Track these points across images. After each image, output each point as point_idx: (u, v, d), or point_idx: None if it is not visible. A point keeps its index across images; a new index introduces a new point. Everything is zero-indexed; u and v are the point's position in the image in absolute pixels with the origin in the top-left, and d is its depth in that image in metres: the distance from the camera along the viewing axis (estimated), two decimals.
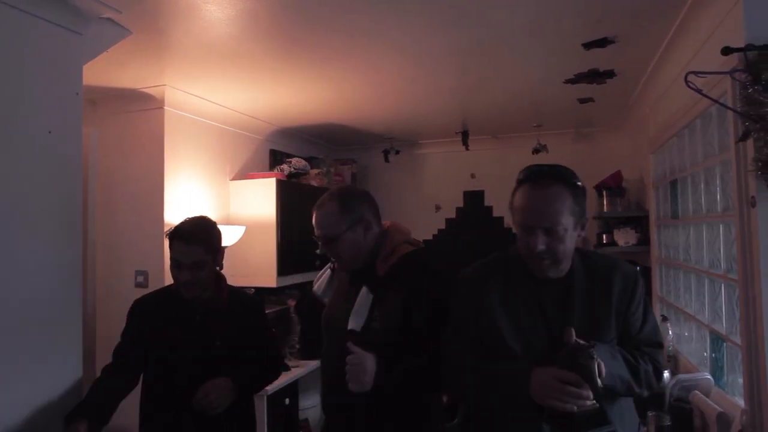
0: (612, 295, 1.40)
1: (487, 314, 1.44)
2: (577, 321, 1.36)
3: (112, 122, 3.32)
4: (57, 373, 1.90)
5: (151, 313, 1.97)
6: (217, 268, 2.00)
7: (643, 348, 1.44)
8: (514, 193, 1.42)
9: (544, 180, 1.36)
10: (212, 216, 3.58)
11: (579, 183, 1.38)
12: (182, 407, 1.81)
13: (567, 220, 1.33)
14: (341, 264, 1.80)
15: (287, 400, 3.39)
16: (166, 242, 3.12)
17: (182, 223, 1.93)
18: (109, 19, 2.11)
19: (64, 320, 1.94)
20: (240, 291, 2.16)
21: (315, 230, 1.78)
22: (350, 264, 1.77)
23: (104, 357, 3.28)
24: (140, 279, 3.22)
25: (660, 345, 1.48)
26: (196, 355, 1.88)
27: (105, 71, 2.80)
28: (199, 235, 1.89)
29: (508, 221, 4.85)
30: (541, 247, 1.33)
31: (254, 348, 2.03)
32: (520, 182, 1.41)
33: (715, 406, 1.90)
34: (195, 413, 1.80)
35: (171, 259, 1.89)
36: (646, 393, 1.42)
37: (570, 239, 1.36)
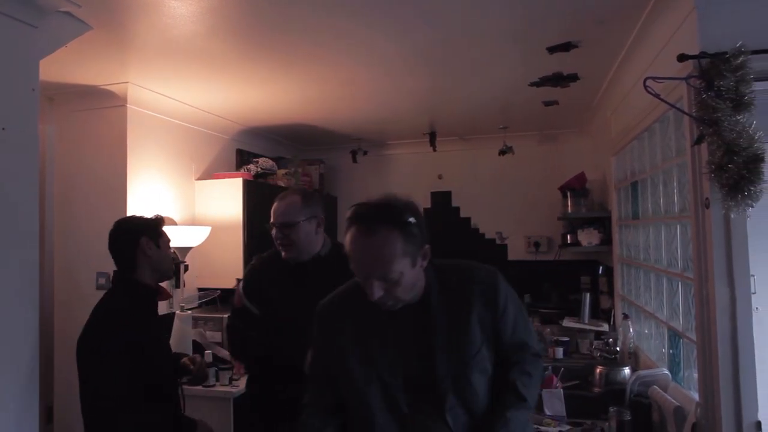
0: (472, 310, 1.35)
1: (339, 354, 1.39)
2: (441, 341, 1.33)
3: (72, 120, 3.22)
4: (10, 397, 1.83)
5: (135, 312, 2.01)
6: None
7: (513, 357, 1.41)
8: (345, 234, 1.31)
9: (369, 224, 1.25)
10: (177, 216, 3.54)
11: (410, 219, 1.28)
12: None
13: (400, 264, 1.25)
14: (291, 251, 2.00)
15: None
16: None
17: (151, 216, 2.12)
18: (67, 12, 2.04)
19: (19, 327, 1.87)
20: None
21: (272, 218, 2.01)
22: (300, 252, 2.00)
23: (64, 365, 3.18)
24: (102, 281, 3.13)
25: (526, 344, 1.44)
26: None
27: (64, 67, 2.71)
28: None
29: (476, 222, 4.92)
30: (378, 293, 1.26)
31: None
32: (348, 223, 1.29)
33: (672, 400, 1.97)
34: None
35: (167, 240, 2.07)
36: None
37: (410, 278, 1.29)
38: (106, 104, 3.14)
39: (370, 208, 1.29)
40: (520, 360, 1.42)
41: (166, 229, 2.11)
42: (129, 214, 3.11)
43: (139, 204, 3.21)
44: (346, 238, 1.29)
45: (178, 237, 3.22)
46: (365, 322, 1.38)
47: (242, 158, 4.32)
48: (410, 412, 1.32)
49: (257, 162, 4.14)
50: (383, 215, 1.26)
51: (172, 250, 2.14)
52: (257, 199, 3.85)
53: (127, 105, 3.13)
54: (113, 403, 1.73)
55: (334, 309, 1.46)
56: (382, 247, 1.24)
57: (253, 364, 2.18)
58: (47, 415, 3.08)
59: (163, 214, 3.17)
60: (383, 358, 1.35)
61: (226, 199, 3.75)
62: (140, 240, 1.93)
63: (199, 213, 3.79)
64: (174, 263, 2.16)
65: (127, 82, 3.03)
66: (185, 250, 3.30)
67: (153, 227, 2.01)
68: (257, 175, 4.07)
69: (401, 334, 1.35)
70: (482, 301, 1.36)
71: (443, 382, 1.32)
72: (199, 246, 3.41)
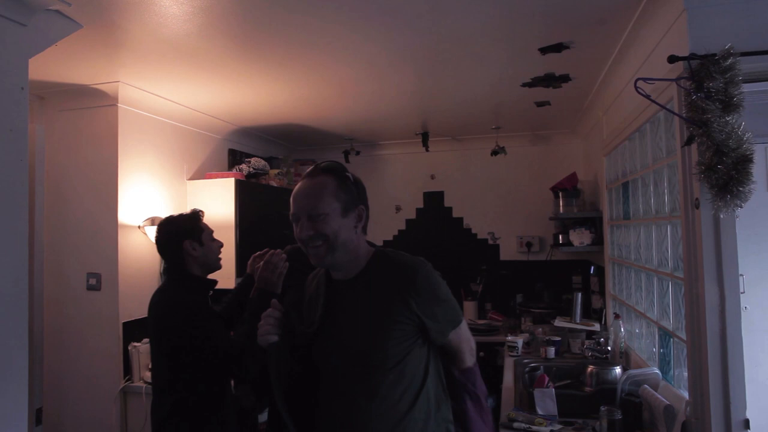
0: (394, 293, 1.38)
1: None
2: (360, 317, 1.39)
3: (62, 119, 3.19)
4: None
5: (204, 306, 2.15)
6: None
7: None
8: None
9: (313, 172, 1.43)
10: None
11: (348, 174, 1.45)
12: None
13: (329, 205, 1.38)
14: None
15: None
16: (121, 243, 3.07)
17: (185, 213, 2.25)
18: (57, 11, 2.02)
19: (7, 329, 1.85)
20: None
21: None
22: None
23: (53, 367, 3.16)
24: (92, 282, 3.11)
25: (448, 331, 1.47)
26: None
27: (54, 65, 2.69)
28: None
29: (468, 222, 4.93)
30: (306, 232, 1.38)
31: None
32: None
33: (663, 399, 1.98)
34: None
35: (210, 233, 2.18)
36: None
37: (338, 225, 1.38)
38: (96, 103, 3.12)
39: (320, 164, 1.46)
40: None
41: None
42: (120, 214, 3.10)
43: (131, 204, 3.19)
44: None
45: None
46: (308, 289, 1.54)
47: (234, 158, 4.30)
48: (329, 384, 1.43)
49: (249, 162, 4.13)
50: (326, 167, 1.44)
51: (216, 241, 2.21)
52: (249, 199, 3.84)
53: (118, 104, 3.10)
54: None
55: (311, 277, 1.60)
56: (315, 187, 1.40)
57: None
58: (36, 417, 3.05)
59: (156, 214, 3.15)
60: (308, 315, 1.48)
61: (218, 200, 3.73)
62: (184, 243, 2.09)
63: None
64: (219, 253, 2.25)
65: (118, 82, 3.01)
66: None
67: (192, 227, 2.13)
68: (249, 175, 4.06)
69: (335, 306, 1.45)
70: (405, 285, 1.38)
71: (357, 357, 1.38)
72: None
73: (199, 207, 3.72)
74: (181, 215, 2.20)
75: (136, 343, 3.14)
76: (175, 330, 1.98)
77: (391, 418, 1.35)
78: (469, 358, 1.54)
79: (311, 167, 1.47)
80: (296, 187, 1.44)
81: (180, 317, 1.99)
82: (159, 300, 2.08)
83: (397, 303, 1.37)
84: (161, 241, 2.14)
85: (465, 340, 1.52)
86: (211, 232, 2.20)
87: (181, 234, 2.10)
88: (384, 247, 1.52)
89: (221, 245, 2.23)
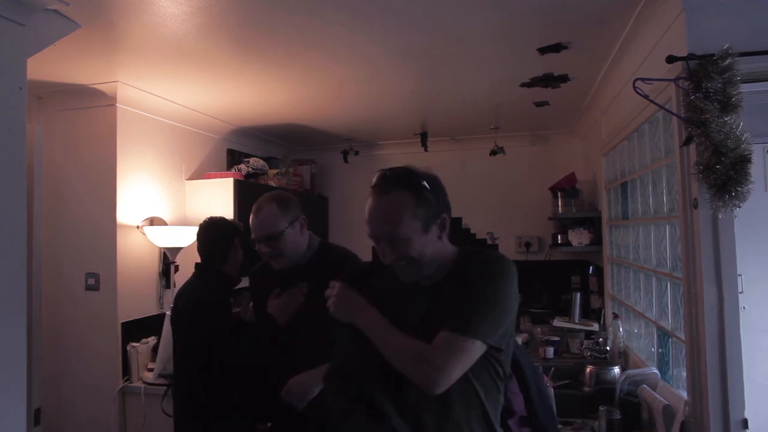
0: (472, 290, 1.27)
1: None
2: (428, 326, 1.28)
3: (60, 119, 3.19)
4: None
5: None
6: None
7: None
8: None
9: (385, 186, 1.30)
10: (167, 216, 3.52)
11: (424, 183, 1.31)
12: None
13: (409, 227, 1.27)
14: (280, 261, 1.95)
15: None
16: (120, 243, 3.08)
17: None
18: (55, 11, 2.02)
19: (6, 329, 1.85)
20: None
21: (254, 233, 1.95)
22: (291, 260, 1.95)
23: (52, 367, 3.15)
24: (91, 282, 3.11)
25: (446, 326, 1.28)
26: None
27: (52, 65, 2.69)
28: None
29: (467, 222, 4.94)
30: (389, 257, 1.29)
31: None
32: (371, 191, 1.34)
33: (661, 398, 1.99)
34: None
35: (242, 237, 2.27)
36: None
37: (421, 243, 1.29)
38: (95, 103, 3.11)
39: (386, 173, 1.33)
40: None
41: (157, 227, 2.22)
42: (119, 214, 3.10)
43: (130, 204, 3.19)
44: (367, 203, 1.33)
45: (168, 237, 3.20)
46: (389, 296, 1.40)
47: (233, 158, 4.30)
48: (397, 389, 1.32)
49: (248, 162, 4.13)
50: (398, 178, 1.30)
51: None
52: (248, 199, 3.83)
53: (117, 104, 3.10)
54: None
55: (374, 283, 1.48)
56: (390, 207, 1.27)
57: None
58: (35, 417, 3.05)
59: (155, 214, 3.16)
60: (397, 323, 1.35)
61: (217, 200, 3.73)
62: (234, 240, 2.27)
63: (190, 213, 3.76)
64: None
65: (116, 81, 3.01)
66: (176, 251, 3.28)
67: (240, 231, 2.32)
68: (248, 176, 4.05)
69: (413, 310, 1.35)
70: (478, 268, 1.32)
71: None
72: (190, 246, 3.39)
73: (197, 207, 3.76)
74: (226, 219, 2.39)
75: (134, 344, 3.14)
76: (193, 329, 2.09)
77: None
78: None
79: (379, 176, 1.32)
80: (369, 203, 1.31)
81: (202, 318, 2.07)
82: (187, 295, 2.20)
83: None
84: (213, 231, 2.28)
85: None
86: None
87: (233, 230, 2.30)
88: (470, 248, 1.42)
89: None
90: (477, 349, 1.23)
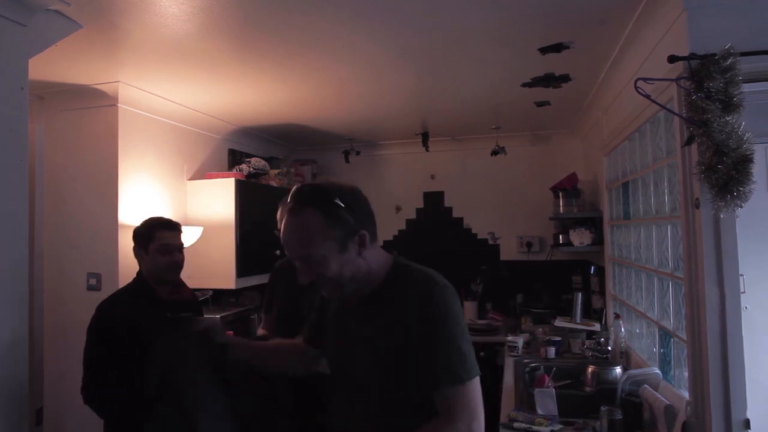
0: (404, 315, 1.23)
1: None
2: (361, 339, 1.29)
3: (62, 119, 3.19)
4: None
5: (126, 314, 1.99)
6: None
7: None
8: None
9: (296, 205, 1.23)
10: (169, 216, 3.51)
11: (337, 201, 1.22)
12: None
13: (322, 247, 1.21)
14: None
15: None
16: (122, 243, 3.06)
17: (159, 218, 2.21)
18: (57, 11, 2.02)
19: (8, 329, 1.85)
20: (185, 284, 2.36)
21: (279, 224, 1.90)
22: None
23: (54, 367, 3.16)
24: (92, 282, 3.11)
25: (437, 378, 1.20)
26: None
27: (54, 66, 2.69)
28: (176, 223, 2.22)
29: (468, 222, 4.93)
30: (304, 278, 1.24)
31: None
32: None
33: (663, 399, 1.98)
34: None
35: (160, 246, 2.08)
36: None
37: (338, 263, 1.23)
38: (96, 103, 3.12)
39: (298, 190, 1.27)
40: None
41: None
42: (120, 214, 3.10)
43: (131, 204, 3.19)
44: None
45: None
46: (330, 311, 1.44)
47: (234, 158, 4.30)
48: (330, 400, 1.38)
49: (249, 162, 4.13)
50: (309, 197, 1.24)
51: (168, 255, 2.11)
52: (250, 199, 3.84)
53: (118, 104, 3.10)
54: None
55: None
56: (301, 227, 1.22)
57: None
58: (37, 417, 3.05)
59: (156, 214, 3.16)
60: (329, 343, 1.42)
61: (218, 200, 3.73)
62: (156, 233, 2.12)
63: (191, 213, 3.77)
64: (173, 271, 2.14)
65: (118, 82, 3.01)
66: None
67: (171, 225, 2.16)
68: (249, 176, 4.06)
69: (342, 325, 1.37)
70: (416, 309, 1.24)
71: (352, 380, 1.33)
72: (191, 246, 3.39)
73: (199, 207, 3.77)
74: (148, 220, 2.20)
75: None
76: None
77: None
78: None
79: (291, 195, 1.26)
80: (282, 222, 1.27)
81: (93, 320, 2.01)
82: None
83: (405, 327, 1.23)
84: (135, 230, 2.21)
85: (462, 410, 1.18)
86: (166, 246, 2.09)
87: (133, 237, 2.17)
88: (404, 260, 1.36)
89: (174, 261, 2.11)
90: (478, 383, 1.22)
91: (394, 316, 1.25)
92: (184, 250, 2.22)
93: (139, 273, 2.17)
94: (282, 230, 1.26)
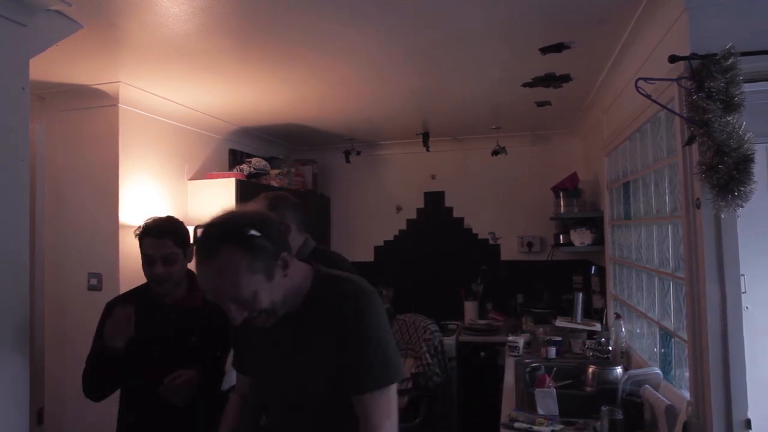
0: (325, 327, 1.26)
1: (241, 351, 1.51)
2: (286, 355, 1.31)
3: (63, 119, 3.20)
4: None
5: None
6: (188, 262, 2.00)
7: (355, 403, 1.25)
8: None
9: (208, 247, 1.17)
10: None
11: (252, 233, 1.17)
12: (156, 405, 1.85)
13: (251, 283, 1.16)
14: None
15: None
16: (122, 243, 3.03)
17: (149, 221, 1.96)
18: (57, 11, 2.02)
19: (9, 329, 1.85)
20: None
21: None
22: None
23: (54, 367, 3.15)
24: (93, 282, 3.11)
25: (360, 380, 1.24)
26: (172, 354, 1.91)
27: (55, 66, 2.69)
28: (167, 228, 1.93)
29: (469, 222, 4.93)
30: (238, 317, 1.19)
31: (221, 348, 2.03)
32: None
33: (664, 399, 1.98)
34: (168, 411, 1.84)
35: (143, 256, 1.92)
36: None
37: (269, 291, 1.20)
38: (97, 103, 3.12)
39: (208, 230, 1.20)
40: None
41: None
42: (121, 214, 3.10)
43: (132, 204, 3.19)
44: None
45: None
46: (251, 331, 1.37)
47: (235, 158, 4.30)
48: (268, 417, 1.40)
49: (250, 162, 4.13)
50: (221, 236, 1.17)
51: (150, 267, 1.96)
52: (250, 199, 3.81)
53: (119, 104, 3.11)
54: None
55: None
56: (224, 270, 1.15)
57: None
58: (38, 417, 3.05)
59: (157, 215, 3.14)
60: (257, 364, 1.41)
61: (218, 200, 3.73)
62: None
63: (192, 213, 3.77)
64: (158, 283, 1.98)
65: (118, 82, 3.02)
66: None
67: (138, 235, 1.97)
68: (250, 176, 4.06)
69: (272, 343, 1.35)
70: (338, 318, 1.25)
71: (285, 399, 1.32)
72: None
73: (199, 207, 3.77)
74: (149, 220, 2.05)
75: None
76: None
77: None
78: None
79: (202, 236, 1.20)
80: (198, 269, 1.18)
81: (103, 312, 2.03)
82: None
83: (332, 341, 1.24)
84: (186, 232, 2.08)
85: (380, 416, 1.21)
86: (149, 257, 1.92)
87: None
88: (322, 269, 1.36)
89: (157, 275, 1.92)
90: (395, 388, 1.25)
91: (325, 327, 1.25)
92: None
93: None
94: (200, 276, 1.18)
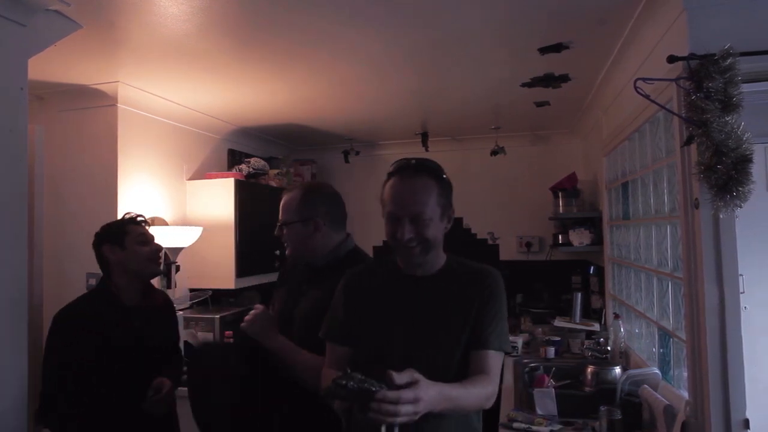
0: (476, 297, 1.42)
1: (358, 318, 1.50)
2: (426, 318, 1.40)
3: (62, 119, 3.19)
4: None
5: (87, 321, 1.94)
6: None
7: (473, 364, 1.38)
8: (384, 186, 1.45)
9: (411, 172, 1.40)
10: (168, 217, 3.53)
11: (445, 176, 1.44)
12: (126, 408, 1.86)
13: (433, 210, 1.39)
14: (288, 253, 1.86)
15: None
16: None
17: (126, 215, 2.15)
18: (56, 11, 2.02)
19: (7, 329, 1.85)
20: (159, 289, 2.27)
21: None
22: (298, 256, 1.84)
23: None
24: (92, 282, 3.11)
25: (490, 345, 1.39)
26: (140, 359, 1.94)
27: (53, 66, 2.69)
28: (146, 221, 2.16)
29: (468, 222, 4.93)
30: (408, 235, 1.37)
31: (175, 345, 2.20)
32: (389, 175, 1.44)
33: (663, 399, 1.98)
34: (136, 415, 1.85)
35: (137, 237, 2.02)
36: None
37: (436, 228, 1.41)
38: (96, 103, 3.11)
39: (411, 161, 1.42)
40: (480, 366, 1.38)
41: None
42: (120, 214, 3.09)
43: (130, 204, 3.19)
44: (387, 186, 1.42)
45: (169, 237, 3.20)
46: (387, 289, 1.48)
47: (234, 158, 4.30)
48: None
49: (249, 162, 4.13)
50: (423, 167, 1.41)
51: (149, 245, 2.07)
52: (249, 199, 3.84)
53: (118, 104, 3.10)
54: None
55: (365, 274, 1.56)
56: (421, 189, 1.38)
57: None
58: (36, 418, 3.04)
59: (156, 215, 3.14)
60: (373, 330, 1.43)
61: (217, 200, 3.73)
62: (103, 248, 2.04)
63: (191, 213, 3.77)
64: (157, 262, 2.10)
65: (117, 82, 3.01)
66: (177, 251, 3.28)
67: (114, 231, 2.04)
68: (249, 176, 4.06)
69: (407, 301, 1.44)
70: (479, 288, 1.42)
71: (403, 360, 1.31)
72: (191, 246, 3.39)
73: (198, 207, 3.77)
74: (114, 220, 2.18)
75: None
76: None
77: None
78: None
79: (402, 163, 1.43)
80: (393, 184, 1.40)
81: (51, 326, 1.96)
82: None
83: (469, 306, 1.40)
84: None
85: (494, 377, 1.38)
86: (144, 237, 2.06)
87: (101, 238, 2.06)
88: (454, 255, 1.54)
89: (155, 250, 2.07)
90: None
91: (463, 295, 1.42)
92: (185, 251, 2.21)
93: (102, 279, 2.06)
94: (395, 190, 1.39)
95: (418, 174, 1.39)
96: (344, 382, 1.12)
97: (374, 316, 1.45)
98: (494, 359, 1.38)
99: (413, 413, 1.13)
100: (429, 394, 1.16)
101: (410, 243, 1.38)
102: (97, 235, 2.08)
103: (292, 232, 1.79)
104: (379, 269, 1.54)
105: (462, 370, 1.37)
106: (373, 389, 1.12)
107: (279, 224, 1.83)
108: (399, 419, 1.11)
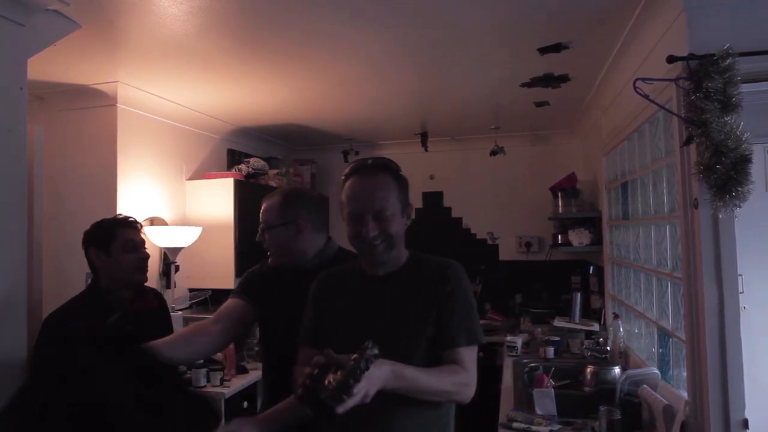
0: (432, 293, 1.42)
1: (327, 319, 1.51)
2: (392, 315, 1.41)
3: (61, 119, 3.19)
4: None
5: (77, 325, 1.88)
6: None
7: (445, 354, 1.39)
8: (342, 187, 1.45)
9: (370, 170, 1.42)
10: (167, 217, 3.53)
11: (401, 173, 1.46)
12: None
13: (394, 206, 1.40)
14: (272, 258, 1.83)
15: (245, 404, 3.34)
16: None
17: (116, 216, 2.11)
18: (55, 11, 2.02)
19: (8, 330, 1.85)
20: (152, 289, 2.22)
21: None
22: (283, 260, 1.81)
23: None
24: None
25: (459, 342, 1.39)
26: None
27: (53, 66, 2.69)
28: (139, 222, 2.11)
29: (467, 222, 4.93)
30: (373, 232, 1.38)
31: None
32: (347, 176, 1.45)
33: (662, 399, 1.99)
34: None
35: (124, 243, 1.95)
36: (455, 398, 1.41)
37: (398, 224, 1.42)
38: (96, 103, 3.12)
39: (368, 160, 1.46)
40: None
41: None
42: (119, 214, 3.09)
43: (130, 204, 3.19)
44: (345, 187, 1.43)
45: (168, 237, 3.21)
46: (338, 295, 1.51)
47: (233, 158, 4.30)
48: None
49: (248, 162, 4.13)
50: (383, 165, 1.44)
51: (136, 252, 1.98)
52: (248, 199, 3.84)
53: (117, 104, 3.10)
54: None
55: (332, 278, 1.57)
56: (381, 187, 1.40)
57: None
58: None
59: (155, 215, 3.13)
60: (343, 329, 1.44)
61: (217, 200, 3.73)
62: (90, 251, 1.98)
63: (190, 213, 3.77)
64: (141, 269, 2.03)
65: (117, 82, 3.01)
66: (176, 251, 3.28)
67: (102, 235, 1.96)
68: (248, 176, 4.06)
69: (373, 301, 1.45)
70: (441, 282, 1.43)
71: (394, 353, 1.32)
72: (190, 246, 3.39)
73: (198, 207, 3.77)
74: (104, 220, 2.06)
75: None
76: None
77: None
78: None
79: (359, 163, 1.45)
80: (353, 184, 1.42)
81: (41, 330, 1.89)
82: None
83: (432, 301, 1.40)
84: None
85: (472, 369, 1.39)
86: (132, 243, 1.98)
87: (89, 239, 1.99)
88: (413, 251, 1.54)
89: (142, 258, 1.99)
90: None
91: (427, 289, 1.42)
92: (184, 251, 2.19)
93: (92, 282, 2.02)
94: (354, 189, 1.41)
95: (377, 172, 1.42)
96: (309, 382, 1.13)
97: (341, 318, 1.47)
98: (467, 354, 1.39)
99: (364, 391, 1.11)
100: (380, 369, 1.17)
101: (375, 240, 1.39)
102: (85, 234, 2.00)
103: (274, 236, 1.76)
104: (344, 273, 1.55)
105: (435, 366, 1.37)
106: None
107: (260, 229, 1.80)
108: (349, 400, 1.09)
